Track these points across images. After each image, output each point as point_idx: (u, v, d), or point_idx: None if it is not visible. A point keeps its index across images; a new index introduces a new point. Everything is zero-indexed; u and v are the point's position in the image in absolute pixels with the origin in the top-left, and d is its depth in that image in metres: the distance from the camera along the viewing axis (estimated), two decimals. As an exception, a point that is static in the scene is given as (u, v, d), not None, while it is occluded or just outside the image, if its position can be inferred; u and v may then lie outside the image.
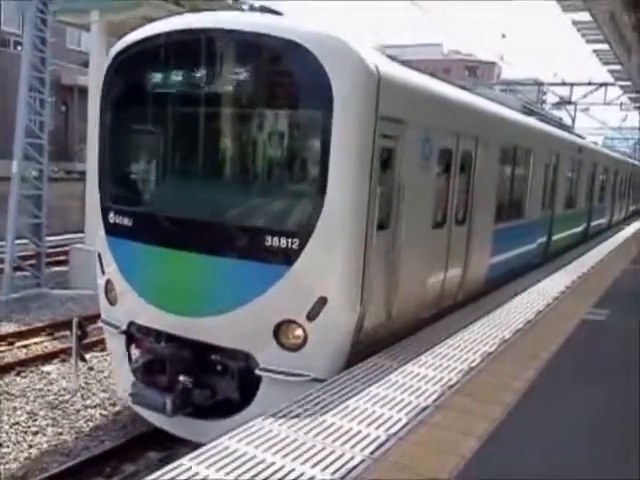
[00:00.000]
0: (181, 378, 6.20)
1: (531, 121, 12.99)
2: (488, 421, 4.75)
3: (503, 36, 23.04)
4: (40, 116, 15.60)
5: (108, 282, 7.04)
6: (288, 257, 5.83)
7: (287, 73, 6.08)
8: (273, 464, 3.87)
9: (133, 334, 6.89)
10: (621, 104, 33.69)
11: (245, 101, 6.33)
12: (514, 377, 5.79)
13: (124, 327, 6.92)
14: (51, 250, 17.81)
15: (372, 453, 4.10)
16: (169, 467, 3.80)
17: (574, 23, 15.21)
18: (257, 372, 6.08)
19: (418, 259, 7.29)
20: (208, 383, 6.34)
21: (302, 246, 5.78)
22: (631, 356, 6.86)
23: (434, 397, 5.14)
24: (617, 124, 56.34)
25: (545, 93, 41.27)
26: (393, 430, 4.46)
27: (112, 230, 6.92)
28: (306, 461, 3.94)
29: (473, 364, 6.06)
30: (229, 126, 6.73)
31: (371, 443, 4.24)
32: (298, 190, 6.18)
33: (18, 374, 10.00)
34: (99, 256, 7.15)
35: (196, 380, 6.25)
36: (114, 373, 8.23)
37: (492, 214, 9.97)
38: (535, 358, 6.42)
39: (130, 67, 6.82)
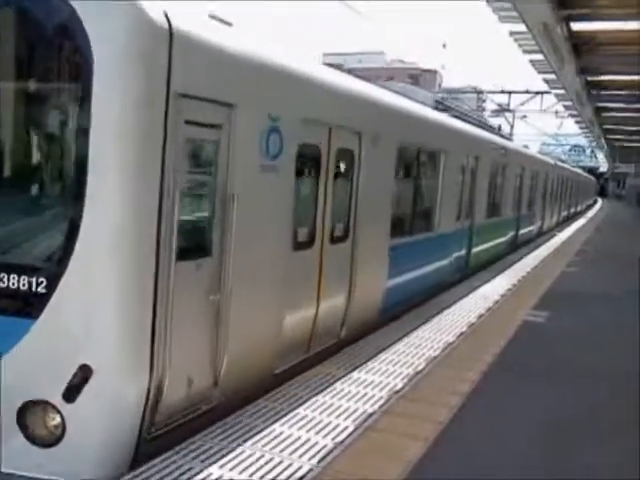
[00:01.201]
0: None
1: (443, 118, 11.49)
2: (434, 424, 4.82)
3: (444, 46, 23.71)
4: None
5: None
6: (30, 305, 4.01)
7: (35, 32, 4.21)
8: (220, 478, 3.81)
9: None
10: (556, 112, 34.92)
11: None
12: (458, 380, 5.90)
13: None
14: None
15: (319, 462, 4.09)
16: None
17: (511, 34, 15.68)
18: None
19: (266, 293, 5.49)
20: None
21: (51, 289, 3.97)
22: (569, 356, 7.10)
23: (380, 403, 5.18)
24: (553, 131, 58.48)
25: (484, 101, 42.41)
26: (340, 438, 4.47)
27: None
28: (254, 473, 3.90)
29: (418, 368, 6.14)
30: None
31: (319, 452, 4.23)
32: (43, 204, 4.33)
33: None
34: None
35: None
36: None
37: (387, 228, 8.27)
38: (478, 361, 6.56)
39: None
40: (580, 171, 47.38)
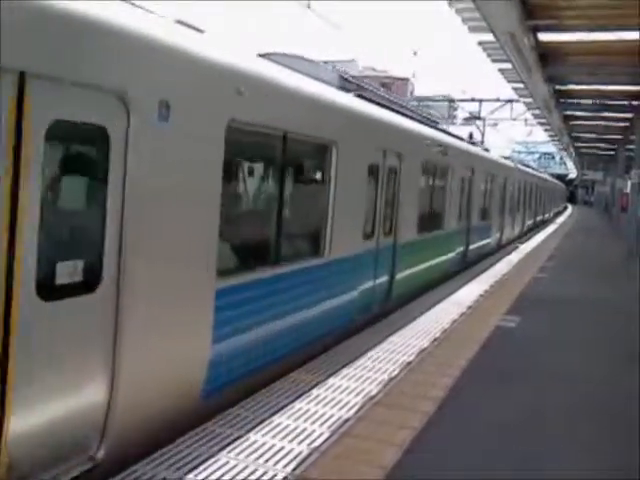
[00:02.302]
0: None
1: (345, 101, 8.10)
2: (408, 430, 4.85)
3: (414, 53, 23.88)
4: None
5: None
6: None
7: None
8: (194, 487, 3.79)
9: None
10: (526, 120, 35.52)
11: None
12: (432, 385, 5.95)
13: None
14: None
15: (295, 469, 4.09)
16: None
17: (480, 43, 15.94)
18: None
19: None
20: None
21: None
22: (540, 360, 7.21)
23: (355, 409, 5.20)
24: (523, 139, 59.49)
25: (456, 109, 42.92)
26: (315, 444, 4.47)
27: None
28: (228, 481, 3.88)
29: (393, 374, 6.17)
30: None
31: (294, 459, 4.23)
32: None
33: None
34: None
35: None
36: None
37: (211, 260, 5.10)
38: (452, 366, 6.62)
39: None
40: (547, 176, 46.42)
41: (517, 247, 20.77)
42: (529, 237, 26.25)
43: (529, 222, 31.25)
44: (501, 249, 21.05)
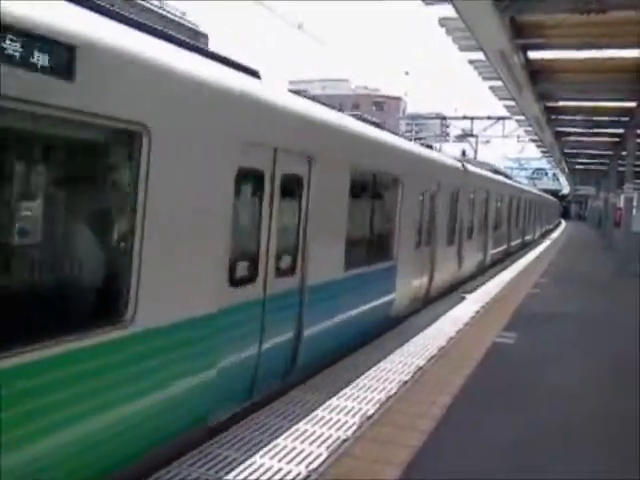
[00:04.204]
0: None
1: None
2: (407, 450, 4.83)
3: (406, 73, 23.96)
4: None
5: None
6: None
7: None
8: (193, 510, 3.76)
9: None
10: (518, 137, 35.84)
11: None
12: (430, 404, 5.94)
13: None
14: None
15: (294, 491, 4.07)
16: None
17: (470, 62, 16.15)
18: None
19: None
20: None
21: None
22: (538, 378, 7.21)
23: (354, 429, 5.19)
24: (516, 155, 59.95)
25: (448, 127, 43.29)
26: (314, 465, 4.46)
27: None
28: (227, 504, 3.86)
29: (390, 393, 6.17)
30: None
31: (292, 480, 4.21)
32: None
33: None
34: None
35: None
36: None
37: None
38: (450, 384, 6.62)
39: None
40: (536, 190, 42.59)
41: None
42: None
43: (516, 241, 26.95)
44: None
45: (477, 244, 18.65)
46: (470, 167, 17.79)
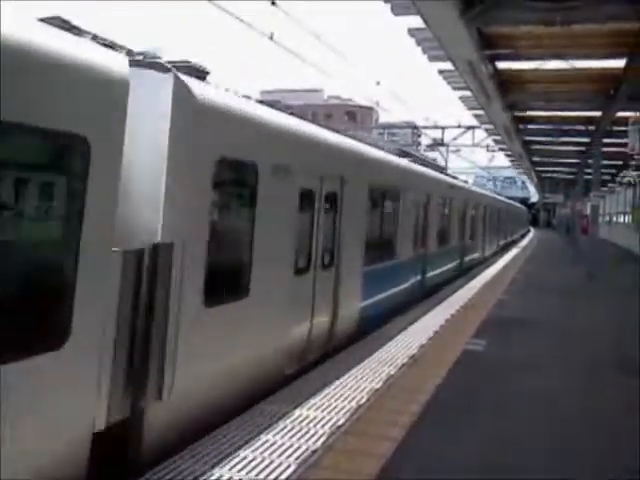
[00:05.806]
0: None
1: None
2: (377, 459, 4.79)
3: (377, 83, 24.16)
4: None
5: None
6: None
7: None
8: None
9: None
10: (487, 146, 36.24)
11: None
12: (401, 412, 5.92)
13: None
14: None
15: (261, 504, 4.00)
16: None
17: (440, 72, 16.33)
18: None
19: None
20: None
21: None
22: (506, 385, 7.25)
23: (323, 439, 5.13)
24: (486, 164, 60.66)
25: (420, 136, 43.68)
26: (282, 477, 4.39)
27: None
28: (193, 519, 3.77)
29: (361, 402, 6.13)
30: None
31: (260, 493, 4.13)
32: None
33: None
34: None
35: None
36: None
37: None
38: (420, 392, 6.60)
39: None
40: (502, 198, 40.71)
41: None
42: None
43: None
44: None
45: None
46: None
